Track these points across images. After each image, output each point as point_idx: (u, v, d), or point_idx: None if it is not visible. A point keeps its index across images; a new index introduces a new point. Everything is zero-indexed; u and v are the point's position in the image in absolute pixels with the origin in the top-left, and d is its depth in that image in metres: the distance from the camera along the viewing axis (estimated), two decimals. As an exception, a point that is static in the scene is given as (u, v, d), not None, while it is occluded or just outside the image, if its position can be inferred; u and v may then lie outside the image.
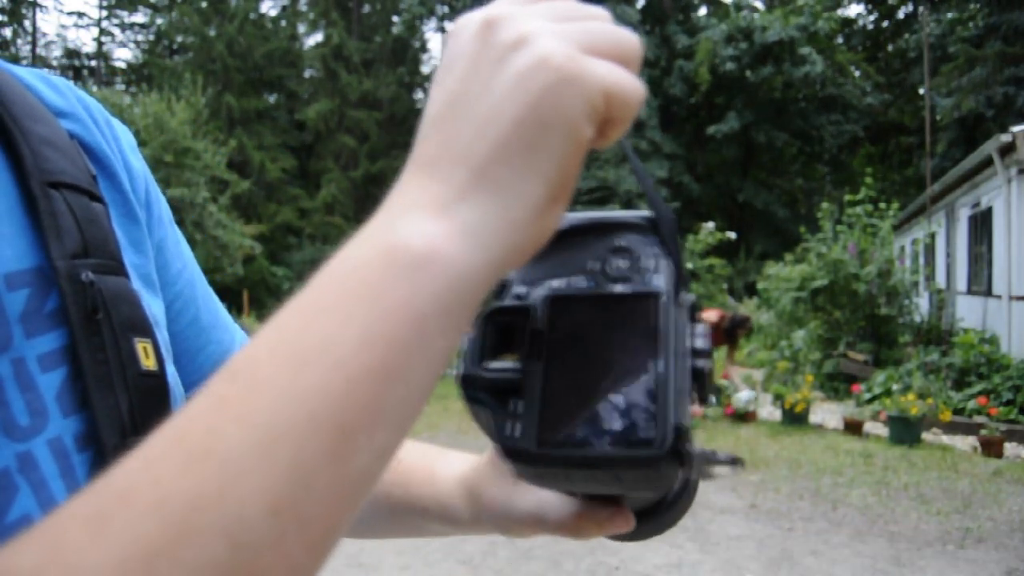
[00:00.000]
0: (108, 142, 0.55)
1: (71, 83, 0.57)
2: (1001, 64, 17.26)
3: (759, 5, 30.55)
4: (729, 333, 7.83)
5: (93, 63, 32.80)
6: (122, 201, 0.53)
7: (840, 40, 27.37)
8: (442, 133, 0.32)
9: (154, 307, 0.52)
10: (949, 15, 19.51)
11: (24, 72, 0.53)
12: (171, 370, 0.51)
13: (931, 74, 17.24)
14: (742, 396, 7.99)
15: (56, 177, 0.46)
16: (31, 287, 0.43)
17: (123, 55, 34.91)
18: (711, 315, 7.89)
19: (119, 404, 0.43)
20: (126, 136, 0.58)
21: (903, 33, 26.84)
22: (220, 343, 0.62)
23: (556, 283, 0.39)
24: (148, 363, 0.45)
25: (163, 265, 0.56)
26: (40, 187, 0.45)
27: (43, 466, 0.41)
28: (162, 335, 0.51)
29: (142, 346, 0.45)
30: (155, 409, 0.45)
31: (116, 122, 0.58)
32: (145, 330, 0.46)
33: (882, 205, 9.81)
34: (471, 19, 0.34)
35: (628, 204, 23.30)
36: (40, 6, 30.97)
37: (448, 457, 0.61)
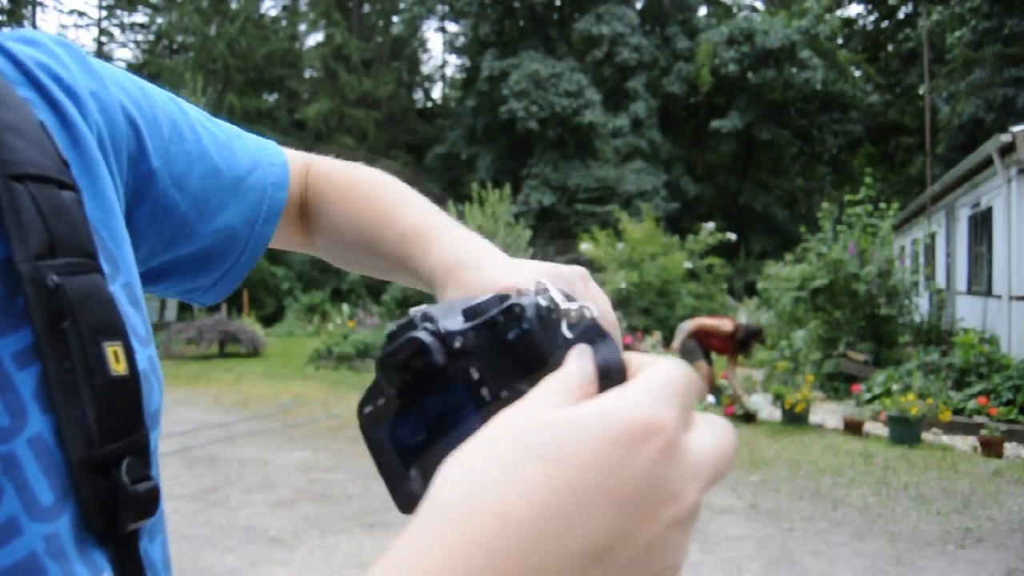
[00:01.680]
0: (77, 99, 0.51)
1: (31, 39, 0.52)
2: (1000, 66, 17.24)
3: (759, 5, 30.56)
4: (743, 344, 7.85)
5: (93, 63, 32.79)
6: (93, 189, 0.50)
7: (840, 41, 27.35)
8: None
9: (134, 285, 0.51)
10: (949, 12, 19.46)
11: None
12: (147, 355, 0.49)
13: (931, 74, 17.23)
14: (757, 400, 8.09)
15: (20, 169, 0.43)
16: None
17: (123, 55, 34.81)
18: (725, 324, 7.88)
19: (86, 414, 0.42)
20: (90, 73, 0.54)
21: (903, 32, 26.83)
22: (253, 188, 0.66)
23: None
24: (118, 368, 0.44)
25: (175, 188, 0.58)
26: (3, 182, 0.42)
27: (25, 466, 0.40)
28: (134, 319, 0.49)
29: (112, 350, 0.44)
30: (124, 415, 0.44)
31: (82, 59, 0.54)
32: (116, 331, 0.45)
33: (882, 205, 9.80)
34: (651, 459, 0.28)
35: (628, 203, 23.29)
36: (41, 4, 30.98)
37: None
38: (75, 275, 0.43)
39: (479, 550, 0.26)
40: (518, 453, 0.28)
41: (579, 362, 0.34)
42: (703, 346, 7.97)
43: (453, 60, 36.90)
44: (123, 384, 0.44)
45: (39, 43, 0.53)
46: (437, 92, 36.38)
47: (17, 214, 0.42)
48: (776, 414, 8.03)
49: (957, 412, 7.22)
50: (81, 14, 40.51)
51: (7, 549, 0.39)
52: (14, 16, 29.58)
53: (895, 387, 7.61)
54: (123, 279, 0.50)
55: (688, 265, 15.12)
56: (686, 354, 7.88)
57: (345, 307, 17.90)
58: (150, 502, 0.44)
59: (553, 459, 0.28)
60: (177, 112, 0.62)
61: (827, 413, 8.18)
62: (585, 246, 15.92)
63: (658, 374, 0.31)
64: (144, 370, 0.47)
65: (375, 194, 0.68)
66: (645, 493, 0.28)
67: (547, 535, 0.26)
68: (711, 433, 0.32)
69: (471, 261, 0.54)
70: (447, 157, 28.69)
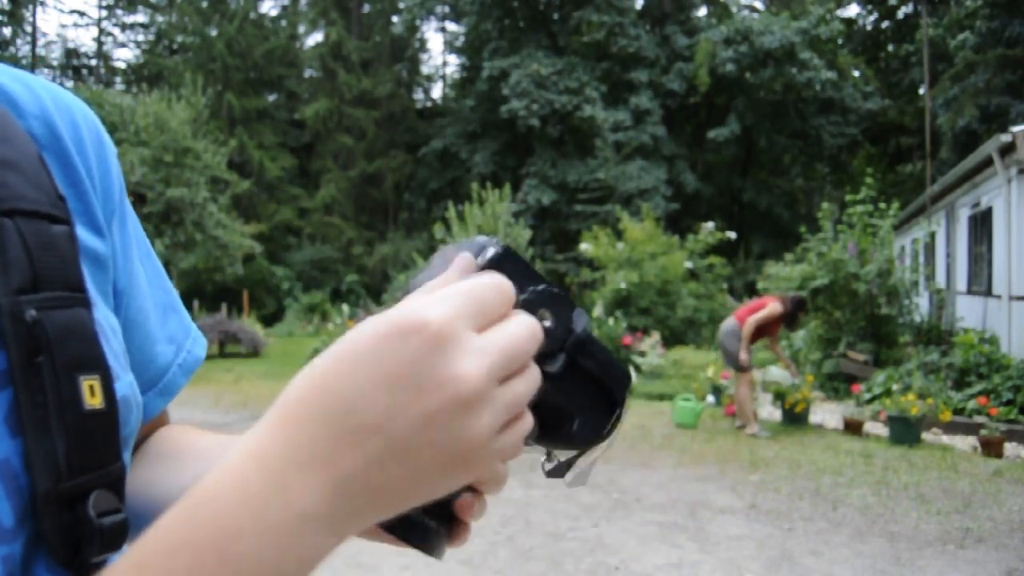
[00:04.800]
0: (87, 160, 0.54)
1: (50, 84, 0.55)
2: (1001, 69, 17.18)
3: (759, 5, 30.54)
4: (791, 318, 7.34)
5: (93, 63, 32.81)
6: (87, 215, 0.52)
7: (840, 42, 27.31)
8: (347, 438, 0.35)
9: (110, 318, 0.52)
10: (949, 19, 19.41)
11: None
12: (128, 380, 0.50)
13: (931, 75, 17.19)
14: (773, 371, 7.58)
15: (10, 204, 0.44)
16: None
17: (123, 55, 34.84)
18: (775, 308, 7.22)
19: (55, 447, 0.42)
20: (109, 143, 0.58)
21: (904, 34, 26.80)
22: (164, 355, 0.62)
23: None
24: (93, 401, 0.44)
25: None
26: None
27: None
28: (116, 346, 0.50)
29: (88, 384, 0.44)
30: (96, 448, 0.44)
31: (99, 126, 0.57)
32: (94, 365, 0.45)
33: (882, 205, 9.80)
34: (427, 334, 0.35)
35: (628, 202, 23.30)
36: (41, 4, 30.96)
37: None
38: (57, 309, 0.44)
39: (285, 419, 0.36)
40: (327, 352, 0.37)
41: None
42: (753, 341, 7.32)
43: (453, 60, 36.91)
44: (97, 418, 0.45)
45: (72, 100, 0.56)
46: (437, 92, 36.40)
47: (2, 250, 0.43)
48: (776, 414, 8.03)
49: (957, 412, 7.22)
50: (81, 14, 40.55)
51: None
52: (14, 17, 29.58)
53: (895, 387, 7.60)
54: (105, 307, 0.51)
55: (688, 265, 15.12)
56: (741, 365, 7.18)
57: (345, 307, 17.89)
58: (117, 535, 0.44)
59: (340, 353, 0.36)
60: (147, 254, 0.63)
61: (827, 413, 8.18)
62: (585, 246, 15.93)
63: (457, 286, 0.38)
64: (125, 396, 0.48)
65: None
66: (412, 377, 0.35)
67: (332, 412, 0.35)
68: (504, 328, 0.38)
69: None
70: (444, 155, 28.66)
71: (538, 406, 0.41)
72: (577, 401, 0.43)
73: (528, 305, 0.41)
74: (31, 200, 0.46)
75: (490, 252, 0.41)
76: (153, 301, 0.62)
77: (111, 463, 0.46)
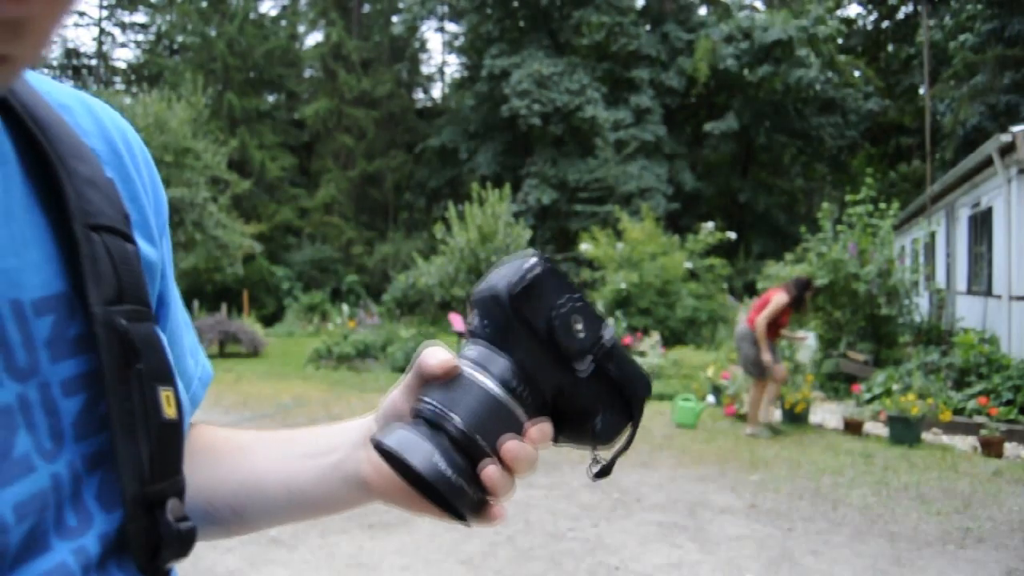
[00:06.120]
0: (141, 176, 0.56)
1: (100, 102, 0.57)
2: (1001, 68, 17.15)
3: (759, 5, 30.53)
4: (799, 301, 7.12)
5: (93, 63, 32.79)
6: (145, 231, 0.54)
7: (840, 42, 27.27)
8: None
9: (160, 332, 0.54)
10: (953, 21, 19.35)
11: (62, 93, 0.54)
12: (185, 394, 0.53)
13: (931, 75, 17.17)
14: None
15: (96, 220, 0.47)
16: (56, 313, 0.44)
17: (123, 55, 34.82)
18: (780, 298, 7.00)
19: (141, 454, 0.44)
20: (152, 161, 0.61)
21: (904, 34, 26.77)
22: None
23: None
24: (169, 412, 0.47)
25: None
26: (83, 230, 0.46)
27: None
28: (170, 359, 0.52)
29: (165, 395, 0.47)
30: (171, 457, 0.47)
31: (143, 144, 0.60)
32: (168, 378, 0.48)
33: (882, 205, 9.79)
34: None
35: (628, 202, 23.29)
36: (41, 5, 30.90)
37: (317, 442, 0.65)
38: (138, 322, 0.46)
39: None
40: None
41: None
42: (771, 337, 7.10)
43: (453, 60, 36.87)
44: (173, 428, 0.47)
45: (120, 118, 0.59)
46: (437, 92, 36.39)
47: (94, 261, 0.45)
48: (776, 414, 8.03)
49: (957, 412, 7.22)
50: (81, 14, 40.46)
51: (39, 561, 0.41)
52: (14, 16, 29.51)
53: (895, 387, 7.60)
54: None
55: (688, 265, 15.12)
56: (766, 367, 6.98)
57: (345, 307, 17.90)
58: (189, 542, 0.47)
59: None
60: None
61: (827, 413, 8.18)
62: (585, 246, 15.92)
63: None
64: (186, 409, 0.52)
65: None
66: None
67: None
68: None
69: None
70: (444, 154, 28.63)
71: (567, 404, 0.47)
72: (601, 401, 0.48)
73: (563, 314, 0.46)
74: (109, 216, 0.48)
75: (531, 274, 0.47)
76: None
77: (179, 472, 0.48)
